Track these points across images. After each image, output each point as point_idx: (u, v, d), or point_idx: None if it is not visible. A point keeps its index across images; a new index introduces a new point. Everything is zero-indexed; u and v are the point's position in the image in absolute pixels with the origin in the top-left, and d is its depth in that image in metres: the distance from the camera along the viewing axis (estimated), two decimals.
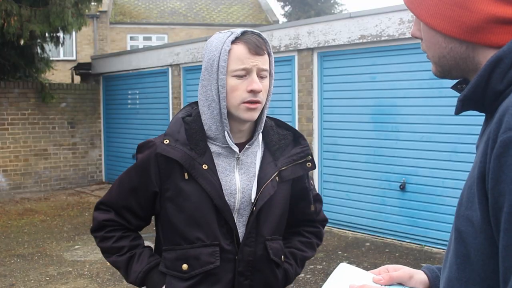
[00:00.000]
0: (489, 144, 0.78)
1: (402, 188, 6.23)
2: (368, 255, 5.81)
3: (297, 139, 1.68)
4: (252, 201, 1.56)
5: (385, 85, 6.38)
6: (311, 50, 7.15)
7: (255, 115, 1.52)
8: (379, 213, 6.51)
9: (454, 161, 5.74)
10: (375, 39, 6.35)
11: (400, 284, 1.15)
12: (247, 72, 1.48)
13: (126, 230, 1.66)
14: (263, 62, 1.50)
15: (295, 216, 1.73)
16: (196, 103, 1.67)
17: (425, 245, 6.01)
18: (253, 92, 1.48)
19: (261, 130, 1.61)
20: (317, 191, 1.81)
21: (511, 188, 0.73)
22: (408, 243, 6.17)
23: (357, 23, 6.52)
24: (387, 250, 5.99)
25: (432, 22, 0.90)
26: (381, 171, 6.46)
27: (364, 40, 6.46)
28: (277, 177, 1.60)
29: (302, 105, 7.28)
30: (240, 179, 1.56)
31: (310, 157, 1.65)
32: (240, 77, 1.48)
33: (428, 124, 5.97)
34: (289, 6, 23.05)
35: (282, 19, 22.89)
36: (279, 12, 47.19)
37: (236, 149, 1.55)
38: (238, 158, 1.57)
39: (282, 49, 7.47)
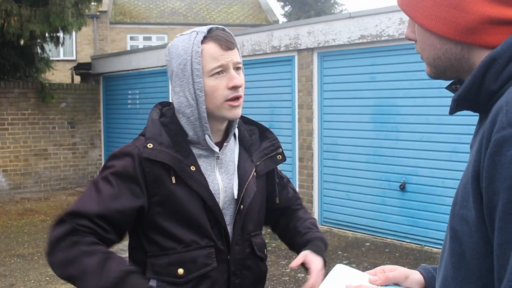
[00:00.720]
0: (483, 143, 0.79)
1: (402, 188, 6.23)
2: (368, 255, 5.82)
3: (263, 133, 1.68)
4: (236, 198, 1.55)
5: (385, 85, 6.39)
6: (311, 50, 7.15)
7: (239, 112, 1.50)
8: (379, 213, 6.51)
9: (454, 161, 5.74)
10: (375, 39, 6.35)
11: (396, 284, 1.16)
12: (223, 69, 1.45)
13: (101, 238, 1.42)
14: (235, 55, 1.47)
15: (282, 206, 1.75)
16: (161, 103, 1.65)
17: (425, 245, 6.02)
18: (235, 87, 1.46)
19: (236, 125, 1.60)
20: (286, 176, 1.82)
21: (505, 186, 0.73)
22: (408, 243, 6.17)
23: (357, 23, 6.52)
24: (387, 250, 5.99)
25: (427, 23, 0.90)
26: (381, 171, 6.46)
27: (364, 40, 6.46)
28: (255, 173, 1.60)
29: (302, 105, 7.28)
30: (221, 178, 1.55)
31: (280, 149, 1.66)
32: (218, 74, 1.44)
33: (428, 124, 5.97)
34: (289, 6, 23.05)
35: (282, 19, 22.90)
36: (279, 12, 47.22)
37: (217, 149, 1.53)
38: (218, 158, 1.55)
39: (282, 49, 7.47)
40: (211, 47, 1.44)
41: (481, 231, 0.80)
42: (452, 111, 0.94)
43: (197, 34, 1.45)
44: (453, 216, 0.88)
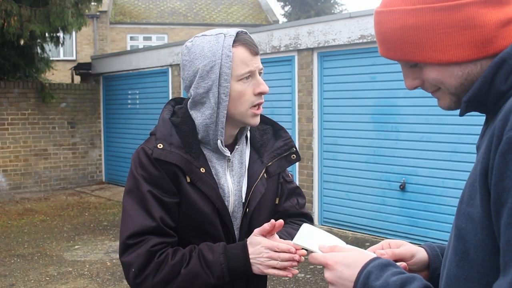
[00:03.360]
0: (493, 141, 0.79)
1: (402, 188, 6.23)
2: None
3: (278, 131, 1.65)
4: (243, 201, 1.53)
5: (385, 85, 6.38)
6: (311, 50, 7.15)
7: (259, 119, 1.51)
8: (379, 213, 6.51)
9: (454, 161, 5.74)
10: (375, 39, 6.34)
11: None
12: (251, 74, 1.44)
13: (172, 243, 1.46)
14: (259, 61, 1.48)
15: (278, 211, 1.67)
16: (175, 99, 1.62)
17: None
18: (261, 94, 1.46)
19: (248, 129, 1.59)
20: (296, 184, 1.73)
21: None
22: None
23: (357, 23, 6.52)
24: None
25: (445, 57, 0.89)
26: (381, 171, 6.46)
27: (364, 40, 6.46)
28: (265, 174, 1.57)
29: (302, 105, 7.28)
30: (232, 181, 1.53)
31: (294, 149, 1.63)
32: (246, 79, 1.44)
33: (428, 124, 5.97)
34: (289, 6, 23.06)
35: (282, 19, 22.90)
36: (279, 12, 47.21)
37: (228, 153, 1.51)
38: (229, 160, 1.53)
39: (282, 49, 7.47)
40: (242, 52, 1.42)
41: (487, 228, 0.80)
42: (463, 112, 0.93)
43: (225, 37, 1.43)
44: (458, 215, 0.88)
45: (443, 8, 0.86)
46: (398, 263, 1.11)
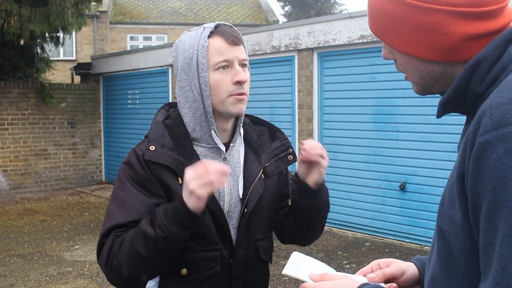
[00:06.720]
0: (468, 146, 0.80)
1: (402, 188, 6.23)
2: (368, 255, 5.81)
3: (274, 133, 1.65)
4: (241, 201, 1.52)
5: (385, 85, 6.39)
6: (311, 50, 7.15)
7: (243, 108, 1.49)
8: (379, 213, 6.51)
9: (454, 161, 5.72)
10: (375, 39, 6.35)
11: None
12: (228, 64, 1.45)
13: None
14: (241, 52, 1.47)
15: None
16: (170, 104, 1.63)
17: (425, 245, 6.01)
18: (239, 83, 1.44)
19: (241, 125, 1.57)
20: None
21: (489, 189, 0.75)
22: (408, 243, 6.17)
23: (357, 23, 6.53)
24: (387, 250, 5.99)
25: (408, 50, 0.92)
26: (381, 171, 6.46)
27: (364, 40, 6.46)
28: (262, 175, 1.56)
29: (302, 105, 7.28)
30: (227, 180, 1.51)
31: (291, 149, 1.63)
32: (223, 69, 1.44)
33: (428, 124, 5.97)
34: (289, 6, 23.06)
35: (282, 19, 22.91)
36: (279, 12, 47.24)
37: (223, 148, 1.50)
38: (224, 159, 1.52)
39: (282, 49, 7.47)
40: (217, 42, 1.44)
41: (466, 231, 0.82)
42: (439, 114, 0.96)
43: (204, 29, 1.47)
44: (440, 217, 0.89)
45: (416, 6, 0.88)
46: (387, 285, 1.14)
